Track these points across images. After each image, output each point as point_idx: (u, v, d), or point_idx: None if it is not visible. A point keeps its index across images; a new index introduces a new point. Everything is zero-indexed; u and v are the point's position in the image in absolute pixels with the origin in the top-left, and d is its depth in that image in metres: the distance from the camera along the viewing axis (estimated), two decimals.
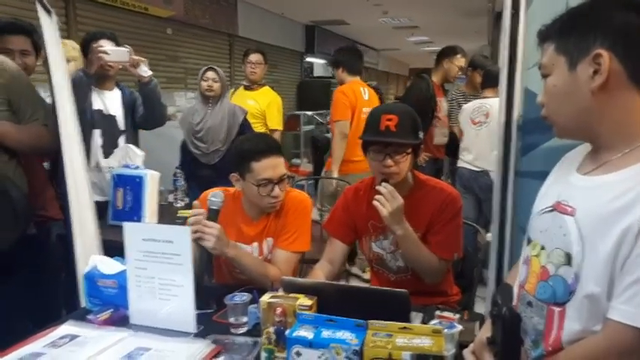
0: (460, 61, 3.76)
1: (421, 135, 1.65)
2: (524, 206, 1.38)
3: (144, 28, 5.47)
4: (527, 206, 1.15)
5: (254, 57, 3.72)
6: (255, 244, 1.75)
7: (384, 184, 1.57)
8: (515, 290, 1.07)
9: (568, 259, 0.93)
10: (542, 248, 1.00)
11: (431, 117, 3.71)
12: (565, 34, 0.95)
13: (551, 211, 1.01)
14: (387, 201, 1.54)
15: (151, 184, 2.35)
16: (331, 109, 3.49)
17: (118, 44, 2.49)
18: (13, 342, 1.26)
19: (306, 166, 6.31)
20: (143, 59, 2.45)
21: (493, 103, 3.26)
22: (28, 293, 1.73)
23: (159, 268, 1.39)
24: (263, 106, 3.68)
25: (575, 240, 0.92)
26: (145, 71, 2.44)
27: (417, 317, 1.36)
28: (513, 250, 1.54)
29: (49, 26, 1.78)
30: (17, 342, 1.27)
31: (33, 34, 2.16)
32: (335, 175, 3.39)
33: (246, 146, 1.69)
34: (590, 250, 0.90)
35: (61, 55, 1.85)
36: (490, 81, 3.37)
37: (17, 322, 1.68)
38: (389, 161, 1.59)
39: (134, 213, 2.31)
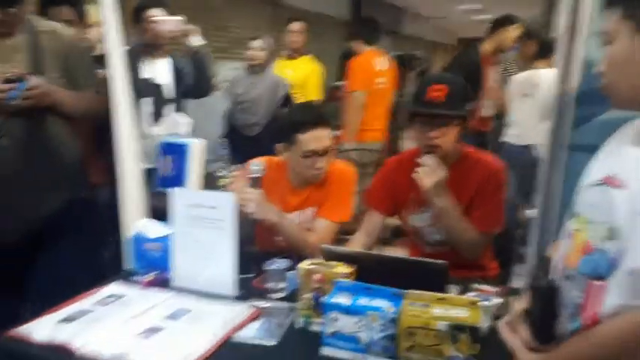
0: (516, 31, 3.60)
1: (469, 107, 1.60)
2: (573, 182, 1.32)
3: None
4: (576, 181, 1.10)
5: (295, 25, 3.67)
6: (298, 212, 1.76)
7: (427, 156, 1.54)
8: (557, 263, 1.04)
9: (614, 234, 0.89)
10: (588, 222, 0.96)
11: (479, 88, 3.59)
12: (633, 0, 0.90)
13: (601, 184, 0.97)
14: (430, 173, 1.51)
15: (196, 152, 2.39)
16: (347, 79, 3.46)
17: (168, 13, 2.52)
18: (62, 300, 1.34)
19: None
20: (196, 28, 2.47)
21: (544, 75, 3.12)
22: (78, 254, 1.81)
23: (202, 233, 1.43)
24: (302, 76, 3.65)
25: (623, 214, 0.88)
26: (196, 41, 2.46)
27: (453, 289, 1.35)
28: (559, 227, 1.48)
29: None
30: (66, 300, 1.34)
31: (76, 4, 2.22)
32: (348, 145, 3.35)
33: (294, 117, 1.72)
34: (637, 225, 0.86)
35: (116, 23, 1.88)
36: (544, 52, 3.22)
37: (69, 281, 1.77)
38: (435, 133, 1.56)
39: (179, 180, 2.37)
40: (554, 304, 0.89)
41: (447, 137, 1.57)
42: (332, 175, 1.75)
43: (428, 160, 1.52)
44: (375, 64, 3.56)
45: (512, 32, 3.59)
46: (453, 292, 1.32)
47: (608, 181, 0.95)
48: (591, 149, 1.11)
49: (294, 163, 1.71)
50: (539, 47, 3.35)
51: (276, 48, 3.59)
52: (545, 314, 0.90)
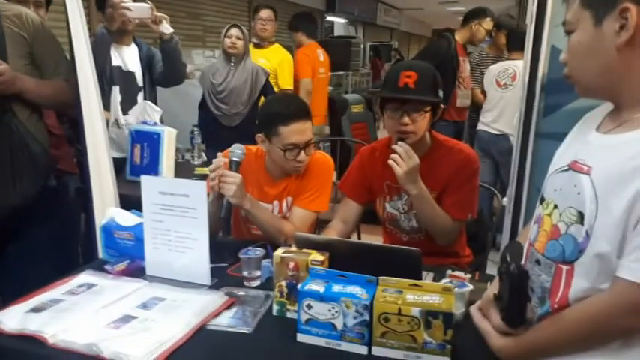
0: (489, 24, 3.64)
1: (441, 94, 1.61)
2: (543, 168, 1.35)
3: None
4: (546, 168, 1.12)
5: (264, 13, 3.61)
6: (276, 202, 1.76)
7: (400, 143, 1.55)
8: (525, 248, 1.06)
9: (580, 218, 0.91)
10: (555, 207, 0.99)
11: (452, 78, 3.62)
12: None
13: (567, 170, 0.99)
14: (403, 160, 1.52)
15: (168, 140, 2.36)
16: (294, 68, 3.75)
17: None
18: (34, 289, 1.31)
19: (323, 128, 6.27)
20: (165, 16, 2.42)
21: (520, 65, 3.17)
22: (48, 243, 1.77)
23: (175, 222, 1.41)
24: (274, 65, 3.61)
25: (588, 199, 0.91)
26: (166, 28, 2.42)
27: (428, 276, 1.37)
28: (529, 212, 1.52)
29: None
30: (37, 289, 1.31)
31: None
32: None
33: (275, 109, 1.67)
34: (603, 209, 0.88)
35: (80, 9, 1.83)
36: (517, 43, 3.27)
37: (38, 270, 1.73)
38: (406, 119, 1.57)
39: (151, 169, 2.34)
40: (524, 289, 0.91)
41: (419, 124, 1.58)
42: (310, 166, 1.75)
43: (401, 148, 1.53)
44: (319, 55, 4.16)
45: (486, 25, 3.62)
46: (427, 279, 1.35)
47: (573, 167, 0.97)
48: (560, 137, 1.14)
49: (274, 155, 1.69)
50: (511, 39, 3.40)
51: (250, 37, 3.55)
52: (514, 299, 0.92)
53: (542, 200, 1.05)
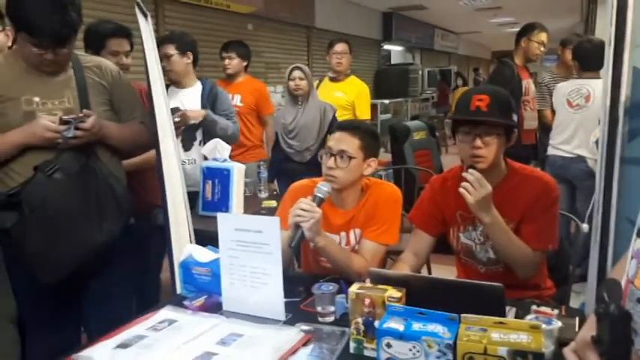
0: (539, 36, 3.50)
1: (515, 118, 1.57)
2: (629, 195, 1.27)
3: (226, 25, 5.66)
4: (633, 195, 1.06)
5: (339, 47, 3.66)
6: (343, 233, 1.76)
7: (470, 170, 1.51)
8: (623, 286, 0.98)
9: None
10: None
11: (517, 102, 3.52)
12: None
13: None
14: (474, 188, 1.48)
15: (238, 176, 2.43)
16: (263, 103, 3.51)
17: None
18: (119, 325, 1.36)
19: (384, 156, 6.25)
20: (190, 114, 2.58)
21: (595, 86, 3.01)
22: (132, 278, 1.85)
23: (250, 257, 1.44)
24: (352, 97, 3.66)
25: None
26: (196, 119, 2.59)
27: (510, 312, 1.31)
28: (616, 242, 1.43)
29: (145, 28, 1.88)
30: (123, 324, 1.36)
31: (130, 35, 2.31)
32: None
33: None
34: None
35: (156, 56, 1.95)
36: (588, 62, 3.12)
37: (123, 305, 1.81)
38: (478, 142, 1.53)
39: (222, 204, 2.41)
40: (627, 332, 0.84)
41: (491, 147, 1.54)
42: (377, 196, 1.74)
43: (471, 175, 1.49)
44: None
45: (536, 38, 3.50)
46: (509, 315, 1.29)
47: None
48: None
49: (323, 172, 1.71)
50: (581, 58, 3.25)
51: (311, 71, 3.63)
52: (616, 342, 0.85)
53: (639, 232, 0.98)
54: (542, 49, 3.56)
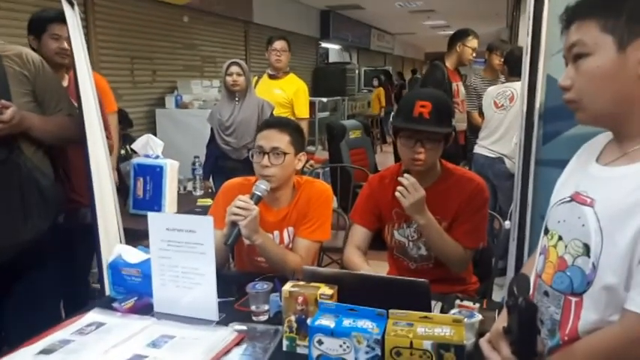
0: (472, 42, 3.69)
1: (453, 122, 1.64)
2: (544, 195, 1.36)
3: (161, 16, 5.49)
4: (548, 195, 1.14)
5: (279, 44, 3.64)
6: (277, 232, 1.77)
7: (406, 175, 1.58)
8: (532, 280, 1.06)
9: (586, 250, 0.92)
10: (560, 239, 1.00)
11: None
12: (614, 13, 0.90)
13: (570, 201, 1.00)
14: (409, 192, 1.55)
15: (171, 173, 2.38)
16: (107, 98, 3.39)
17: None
18: (46, 327, 1.30)
19: (322, 154, 6.31)
20: None
21: (517, 87, 3.20)
22: (59, 280, 1.77)
23: (182, 257, 1.42)
24: (290, 95, 3.64)
25: (593, 231, 0.91)
26: None
27: (436, 306, 1.37)
28: (533, 238, 1.53)
29: (71, 17, 1.80)
30: (49, 328, 1.31)
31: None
32: None
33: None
34: (608, 242, 0.89)
35: (83, 45, 1.87)
36: (516, 68, 3.31)
37: (50, 308, 1.73)
38: (419, 148, 1.59)
39: (154, 202, 2.35)
40: (533, 322, 0.91)
41: (431, 152, 1.61)
42: (309, 194, 1.76)
43: (407, 180, 1.56)
44: None
45: (470, 44, 3.68)
46: (435, 309, 1.35)
47: (576, 198, 0.99)
48: (559, 163, 1.15)
49: (255, 171, 1.72)
50: (509, 64, 3.45)
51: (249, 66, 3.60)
52: (524, 332, 0.92)
53: (547, 231, 1.06)
54: (473, 55, 3.74)
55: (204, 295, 1.40)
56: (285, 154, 1.68)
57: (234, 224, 1.55)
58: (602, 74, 0.92)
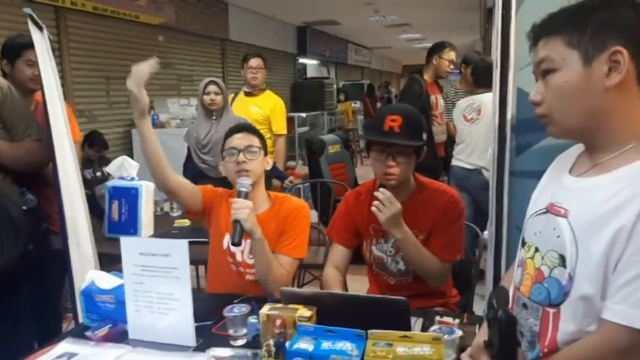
0: (449, 54, 3.73)
1: (424, 136, 1.65)
2: (519, 205, 1.37)
3: (135, 36, 5.47)
4: (523, 205, 1.15)
5: (254, 61, 3.64)
6: (249, 241, 1.74)
7: (381, 189, 1.57)
8: (511, 292, 1.06)
9: (562, 261, 0.93)
10: (537, 250, 1.00)
11: (427, 116, 3.69)
12: (579, 29, 0.92)
13: (545, 213, 1.01)
14: (385, 207, 1.54)
15: (146, 195, 2.34)
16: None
17: None
18: (19, 356, 1.25)
19: (302, 169, 6.31)
20: None
21: (484, 99, 3.27)
22: (30, 308, 1.72)
23: (157, 282, 1.38)
24: (267, 112, 3.64)
25: (568, 242, 0.92)
26: None
27: (417, 322, 1.36)
28: (510, 249, 1.54)
29: (40, 41, 1.78)
30: (21, 357, 1.26)
31: None
32: None
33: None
34: (583, 252, 0.89)
35: (53, 69, 1.84)
36: (480, 78, 3.39)
37: (21, 338, 1.67)
38: (391, 162, 1.60)
39: (130, 225, 2.31)
40: (513, 334, 0.91)
41: (403, 166, 1.61)
42: (287, 210, 1.76)
43: (382, 194, 1.55)
44: None
45: (447, 56, 3.73)
46: (416, 326, 1.34)
47: (551, 210, 0.99)
48: (532, 174, 1.16)
49: (228, 173, 1.75)
50: (475, 75, 3.52)
51: (224, 83, 3.59)
52: (504, 345, 0.92)
53: (524, 243, 1.07)
54: (451, 66, 3.78)
55: (180, 320, 1.37)
56: (259, 149, 1.74)
57: (235, 223, 1.57)
58: (570, 89, 0.93)
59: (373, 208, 1.56)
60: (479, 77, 3.44)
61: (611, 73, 0.90)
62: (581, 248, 0.90)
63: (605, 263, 0.87)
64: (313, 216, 3.28)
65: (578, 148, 1.06)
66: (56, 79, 1.86)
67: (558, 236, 0.94)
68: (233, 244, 1.58)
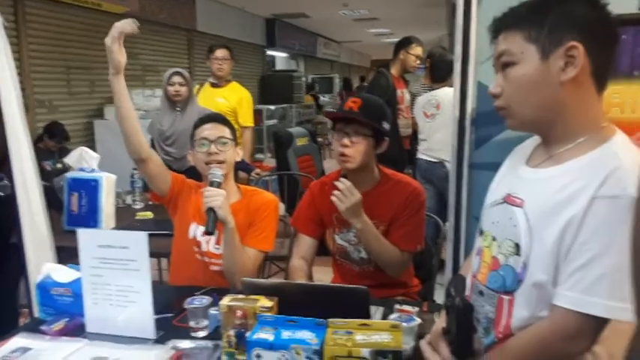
0: (416, 49, 3.78)
1: (385, 126, 1.66)
2: (479, 197, 1.40)
3: (98, 25, 5.31)
4: (482, 197, 1.17)
5: (220, 52, 3.61)
6: (217, 232, 1.73)
7: (342, 179, 1.59)
8: (469, 280, 1.09)
9: (517, 249, 0.95)
10: (494, 239, 1.02)
11: (393, 110, 3.73)
12: (537, 24, 0.94)
13: (502, 203, 1.03)
14: (345, 196, 1.55)
15: (107, 187, 2.29)
16: None
17: None
18: None
19: (270, 161, 6.28)
20: None
21: (442, 94, 3.37)
22: None
23: (115, 275, 1.36)
24: (233, 103, 3.61)
25: (523, 231, 0.95)
26: None
27: (377, 311, 1.37)
28: (469, 240, 1.57)
29: None
30: None
31: None
32: None
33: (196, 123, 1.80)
34: (537, 240, 0.92)
35: (8, 57, 1.78)
36: (438, 73, 3.47)
37: None
38: (345, 140, 1.62)
39: (90, 218, 2.25)
40: (470, 321, 0.93)
41: (358, 147, 1.63)
42: (256, 203, 1.76)
43: (342, 184, 1.57)
44: None
45: (413, 51, 3.78)
46: (377, 315, 1.35)
47: (508, 200, 1.02)
48: (491, 167, 1.19)
49: (198, 165, 1.74)
50: (433, 70, 3.58)
51: (191, 75, 3.54)
52: (461, 331, 0.94)
53: (482, 232, 1.09)
54: (418, 61, 3.83)
55: (139, 312, 1.35)
56: (230, 139, 1.74)
57: (209, 211, 1.55)
58: (527, 82, 0.96)
59: (333, 198, 1.58)
60: (436, 73, 3.51)
61: (566, 68, 0.92)
62: (535, 237, 0.93)
63: (556, 251, 0.90)
64: (281, 209, 3.28)
65: (534, 140, 1.09)
66: (11, 68, 1.79)
67: (514, 225, 0.97)
68: (207, 234, 1.58)
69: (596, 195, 0.87)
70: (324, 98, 11.31)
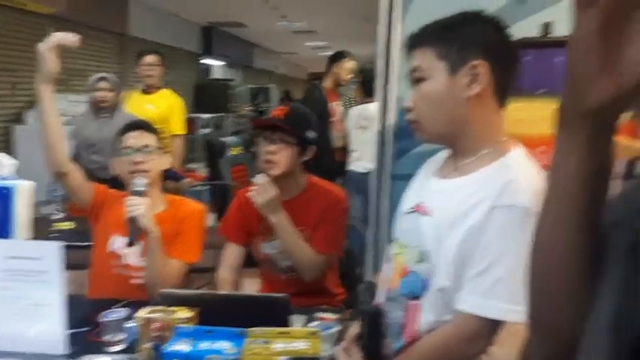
0: (348, 64, 3.89)
1: (311, 134, 1.69)
2: (398, 207, 1.45)
3: (21, 26, 5.04)
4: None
5: (149, 58, 3.53)
6: (142, 242, 1.68)
7: (259, 175, 1.63)
8: (381, 286, 1.13)
9: (424, 257, 1.00)
10: (404, 247, 1.07)
11: (325, 122, 3.79)
12: (447, 42, 0.99)
13: (412, 212, 1.08)
14: (262, 191, 1.59)
15: (22, 195, 2.15)
16: None
17: None
18: None
19: (202, 171, 6.17)
20: None
21: (373, 108, 3.45)
22: None
23: (25, 288, 1.29)
24: (163, 110, 3.52)
25: (430, 239, 1.00)
26: None
27: (299, 320, 1.38)
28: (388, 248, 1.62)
29: None
30: None
31: None
32: None
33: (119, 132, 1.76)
34: (442, 248, 0.97)
35: None
36: (369, 89, 3.58)
37: None
38: (270, 147, 1.64)
39: (2, 228, 2.11)
40: (381, 326, 0.97)
41: (282, 153, 1.65)
42: (183, 213, 1.74)
43: (260, 179, 1.60)
44: None
45: (346, 65, 3.88)
46: (298, 323, 1.36)
47: (418, 209, 1.07)
48: (410, 178, 1.24)
49: (122, 172, 1.70)
50: (364, 84, 3.69)
51: (122, 82, 3.43)
52: (372, 336, 0.97)
53: (394, 239, 1.14)
54: (350, 75, 3.92)
55: (51, 327, 1.29)
56: (156, 147, 1.71)
57: (131, 221, 1.52)
58: (436, 97, 1.01)
59: (251, 193, 1.59)
60: (367, 87, 3.62)
61: (471, 84, 0.98)
62: (441, 245, 0.98)
63: (459, 258, 0.95)
64: (211, 219, 3.23)
65: (445, 152, 1.15)
66: None
67: (422, 234, 1.02)
68: (129, 245, 1.54)
69: (494, 204, 0.93)
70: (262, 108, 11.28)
